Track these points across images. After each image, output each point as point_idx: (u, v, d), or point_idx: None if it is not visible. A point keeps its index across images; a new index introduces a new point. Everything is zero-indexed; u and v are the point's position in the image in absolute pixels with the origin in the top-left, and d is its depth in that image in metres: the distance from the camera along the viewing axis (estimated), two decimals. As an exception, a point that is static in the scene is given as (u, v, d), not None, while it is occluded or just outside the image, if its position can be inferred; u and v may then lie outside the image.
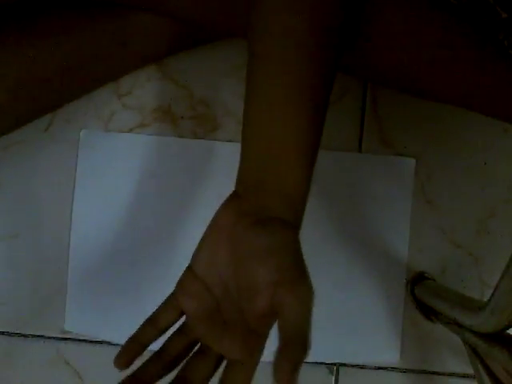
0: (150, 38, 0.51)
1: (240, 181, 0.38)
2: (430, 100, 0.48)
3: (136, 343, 0.37)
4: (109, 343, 0.57)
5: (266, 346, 0.38)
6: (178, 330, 0.37)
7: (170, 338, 0.37)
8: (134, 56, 0.53)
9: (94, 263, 0.57)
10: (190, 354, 0.36)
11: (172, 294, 0.38)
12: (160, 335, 0.37)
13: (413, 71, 0.45)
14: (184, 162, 0.57)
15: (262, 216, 0.35)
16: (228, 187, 0.57)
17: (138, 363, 0.37)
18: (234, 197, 0.38)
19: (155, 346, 0.48)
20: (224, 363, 0.35)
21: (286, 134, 0.36)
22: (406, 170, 0.57)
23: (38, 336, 0.57)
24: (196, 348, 0.37)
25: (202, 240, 0.38)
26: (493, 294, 0.35)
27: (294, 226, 0.36)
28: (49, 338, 0.57)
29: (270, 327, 0.35)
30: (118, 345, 0.57)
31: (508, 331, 0.37)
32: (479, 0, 0.39)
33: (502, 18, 0.39)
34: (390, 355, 0.57)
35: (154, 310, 0.38)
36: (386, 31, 0.43)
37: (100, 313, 0.57)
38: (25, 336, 0.57)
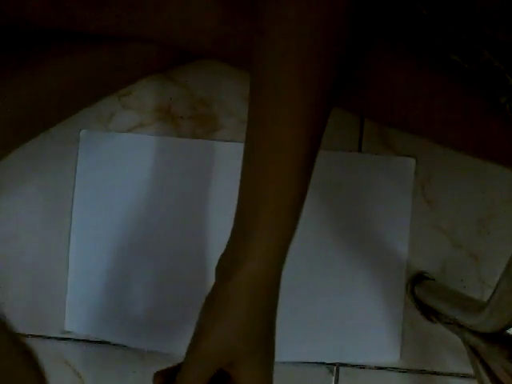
0: (147, 59, 0.51)
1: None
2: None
3: None
4: (109, 343, 0.57)
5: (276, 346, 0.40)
6: None
7: None
8: (131, 75, 0.54)
9: (93, 263, 0.57)
10: None
11: None
12: None
13: (410, 120, 0.46)
14: (184, 161, 0.57)
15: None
16: (228, 187, 0.57)
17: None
18: None
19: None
20: None
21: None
22: (406, 170, 0.57)
23: (38, 336, 0.57)
24: None
25: None
26: (493, 294, 0.35)
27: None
28: (49, 337, 0.57)
29: None
30: (118, 345, 0.57)
31: (508, 331, 0.37)
32: (489, 66, 0.40)
33: (509, 84, 0.40)
34: (390, 355, 0.57)
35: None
36: (387, 81, 0.44)
37: (100, 313, 0.57)
38: (25, 336, 0.57)
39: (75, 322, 0.57)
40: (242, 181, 0.39)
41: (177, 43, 0.48)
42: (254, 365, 0.38)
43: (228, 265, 0.38)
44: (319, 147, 0.38)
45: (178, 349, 0.55)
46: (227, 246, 0.39)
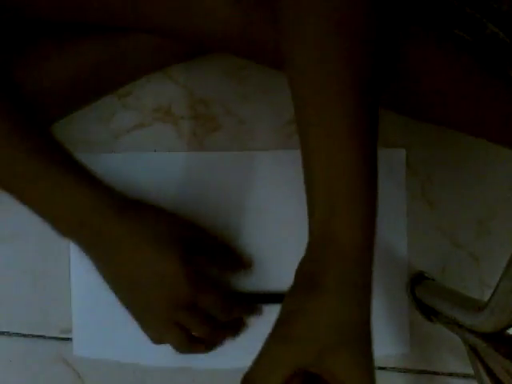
0: (149, 55, 0.51)
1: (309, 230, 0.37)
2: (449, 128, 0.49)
3: None
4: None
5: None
6: None
7: None
8: (131, 70, 0.54)
9: (96, 290, 0.55)
10: None
11: None
12: None
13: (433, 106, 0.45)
14: (176, 176, 0.56)
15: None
16: (228, 196, 0.57)
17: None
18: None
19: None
20: None
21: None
22: (397, 162, 0.56)
23: (38, 336, 0.57)
24: None
25: None
26: (493, 294, 0.35)
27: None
28: (49, 338, 0.57)
29: None
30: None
31: (508, 331, 0.37)
32: (495, 39, 0.40)
33: None
34: (399, 348, 0.56)
35: None
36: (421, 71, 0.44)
37: (108, 333, 0.56)
38: (25, 336, 0.57)
39: (84, 346, 0.57)
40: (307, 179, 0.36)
41: (182, 31, 0.47)
42: (351, 357, 0.32)
43: (314, 250, 0.34)
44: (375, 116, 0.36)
45: (187, 362, 0.55)
46: (308, 245, 0.36)
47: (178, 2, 0.45)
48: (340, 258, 0.33)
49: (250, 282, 0.55)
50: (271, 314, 0.37)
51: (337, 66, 0.34)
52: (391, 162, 0.56)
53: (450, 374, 0.57)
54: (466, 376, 0.57)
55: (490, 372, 0.39)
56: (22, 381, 0.58)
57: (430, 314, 0.54)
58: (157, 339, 0.47)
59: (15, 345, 0.57)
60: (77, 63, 0.49)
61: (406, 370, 0.57)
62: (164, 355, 0.52)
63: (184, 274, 0.44)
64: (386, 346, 0.57)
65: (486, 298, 0.37)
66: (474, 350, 0.42)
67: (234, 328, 0.52)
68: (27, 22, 0.49)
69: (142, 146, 0.57)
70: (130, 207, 0.45)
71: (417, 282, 0.56)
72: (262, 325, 0.53)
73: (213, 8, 0.44)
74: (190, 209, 0.56)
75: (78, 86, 0.51)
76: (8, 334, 0.57)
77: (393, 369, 0.57)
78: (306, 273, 0.34)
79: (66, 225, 0.43)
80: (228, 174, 0.56)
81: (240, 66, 0.56)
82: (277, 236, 0.56)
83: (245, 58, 0.50)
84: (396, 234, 0.56)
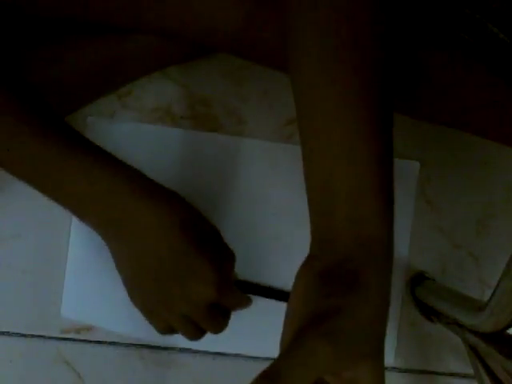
0: (149, 55, 0.51)
1: (312, 236, 0.34)
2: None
3: None
4: (109, 343, 0.57)
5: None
6: None
7: None
8: (131, 70, 0.54)
9: (92, 254, 0.56)
10: None
11: None
12: None
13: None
14: (187, 153, 0.56)
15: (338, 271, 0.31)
16: (229, 181, 0.57)
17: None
18: (308, 259, 0.34)
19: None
20: None
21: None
22: (410, 173, 0.56)
23: (38, 336, 0.57)
24: None
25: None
26: (493, 294, 0.35)
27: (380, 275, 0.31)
28: (49, 337, 0.57)
29: None
30: (117, 344, 0.57)
31: (508, 331, 0.37)
32: (495, 40, 0.40)
33: None
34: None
35: None
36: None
37: (97, 300, 0.56)
38: (25, 336, 0.57)
39: (72, 308, 0.57)
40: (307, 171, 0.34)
41: (184, 31, 0.47)
42: (377, 368, 0.29)
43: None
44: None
45: (176, 341, 0.55)
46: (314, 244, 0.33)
47: (180, 2, 0.45)
48: (377, 255, 0.31)
49: (244, 272, 0.55)
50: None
51: (342, 74, 0.34)
52: (404, 173, 0.57)
53: (450, 374, 0.57)
54: (465, 376, 0.57)
55: (490, 372, 0.39)
56: (22, 381, 0.58)
57: (430, 313, 0.54)
58: (163, 330, 0.45)
59: (15, 345, 0.57)
60: (77, 64, 0.49)
61: (405, 370, 0.57)
62: (152, 332, 0.52)
63: (213, 280, 0.41)
64: None
65: (486, 298, 0.37)
66: (474, 350, 0.42)
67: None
68: (28, 24, 0.49)
69: (142, 146, 0.57)
70: (157, 192, 0.42)
71: (417, 282, 0.56)
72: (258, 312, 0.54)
73: (214, 8, 0.44)
74: (187, 188, 0.56)
75: (77, 85, 0.51)
76: (8, 333, 0.57)
77: (393, 369, 0.57)
78: (339, 270, 0.31)
79: (86, 213, 0.41)
80: (228, 158, 0.56)
81: (240, 66, 0.56)
82: (276, 228, 0.56)
83: (245, 59, 0.50)
84: (399, 239, 0.56)
